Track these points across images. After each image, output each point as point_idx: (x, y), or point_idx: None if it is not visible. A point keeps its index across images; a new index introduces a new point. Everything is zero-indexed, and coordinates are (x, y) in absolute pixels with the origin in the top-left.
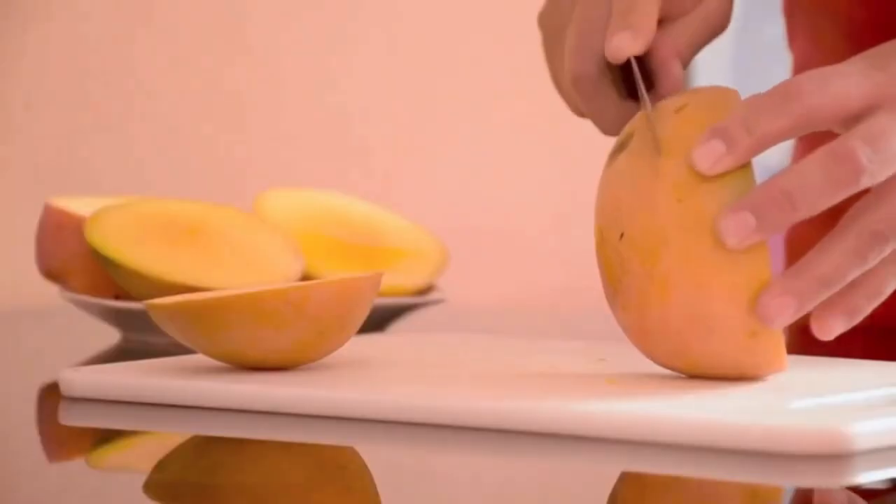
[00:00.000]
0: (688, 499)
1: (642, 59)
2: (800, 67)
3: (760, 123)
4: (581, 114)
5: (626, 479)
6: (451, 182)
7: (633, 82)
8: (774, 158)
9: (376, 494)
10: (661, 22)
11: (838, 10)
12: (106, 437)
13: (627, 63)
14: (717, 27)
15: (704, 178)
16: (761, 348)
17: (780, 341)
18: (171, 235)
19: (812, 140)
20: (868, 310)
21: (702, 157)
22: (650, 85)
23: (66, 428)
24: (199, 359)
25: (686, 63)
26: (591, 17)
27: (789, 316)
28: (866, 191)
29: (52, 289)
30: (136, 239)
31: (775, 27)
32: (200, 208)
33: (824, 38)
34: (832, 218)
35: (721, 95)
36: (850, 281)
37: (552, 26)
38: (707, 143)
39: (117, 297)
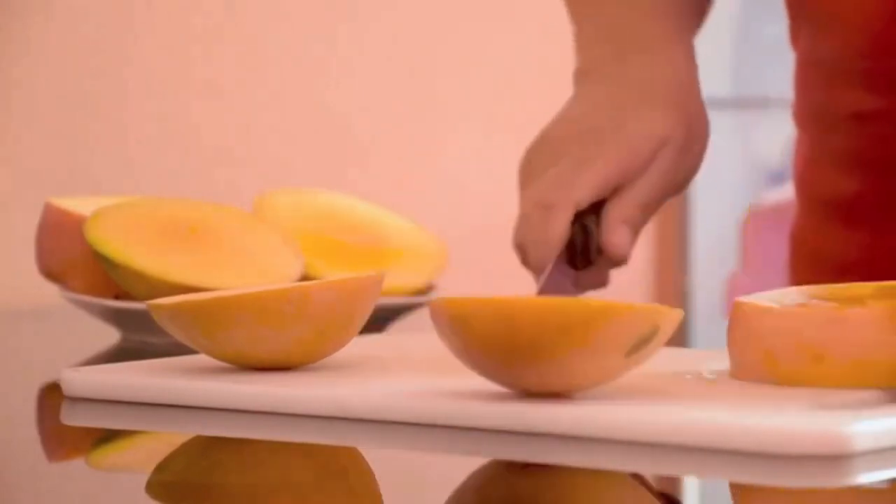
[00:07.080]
0: (688, 499)
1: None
2: (803, 66)
3: None
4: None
5: (624, 479)
6: (451, 182)
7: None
8: (775, 160)
9: (377, 494)
10: (617, 189)
11: (842, 10)
12: (106, 437)
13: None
14: (681, 182)
15: None
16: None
17: None
18: (171, 235)
19: (813, 135)
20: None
21: None
22: (599, 250)
23: (66, 428)
24: (200, 359)
25: (641, 223)
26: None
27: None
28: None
29: (52, 289)
30: (136, 239)
31: (775, 27)
32: (200, 208)
33: (828, 37)
34: (832, 214)
35: None
36: None
37: (530, 166)
38: None
39: (117, 297)
